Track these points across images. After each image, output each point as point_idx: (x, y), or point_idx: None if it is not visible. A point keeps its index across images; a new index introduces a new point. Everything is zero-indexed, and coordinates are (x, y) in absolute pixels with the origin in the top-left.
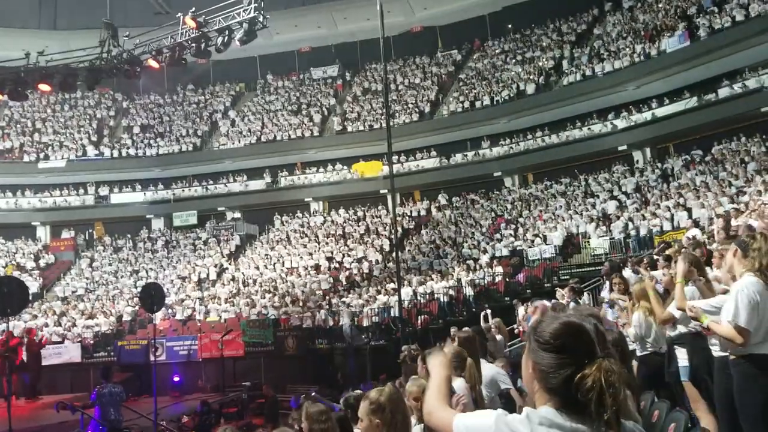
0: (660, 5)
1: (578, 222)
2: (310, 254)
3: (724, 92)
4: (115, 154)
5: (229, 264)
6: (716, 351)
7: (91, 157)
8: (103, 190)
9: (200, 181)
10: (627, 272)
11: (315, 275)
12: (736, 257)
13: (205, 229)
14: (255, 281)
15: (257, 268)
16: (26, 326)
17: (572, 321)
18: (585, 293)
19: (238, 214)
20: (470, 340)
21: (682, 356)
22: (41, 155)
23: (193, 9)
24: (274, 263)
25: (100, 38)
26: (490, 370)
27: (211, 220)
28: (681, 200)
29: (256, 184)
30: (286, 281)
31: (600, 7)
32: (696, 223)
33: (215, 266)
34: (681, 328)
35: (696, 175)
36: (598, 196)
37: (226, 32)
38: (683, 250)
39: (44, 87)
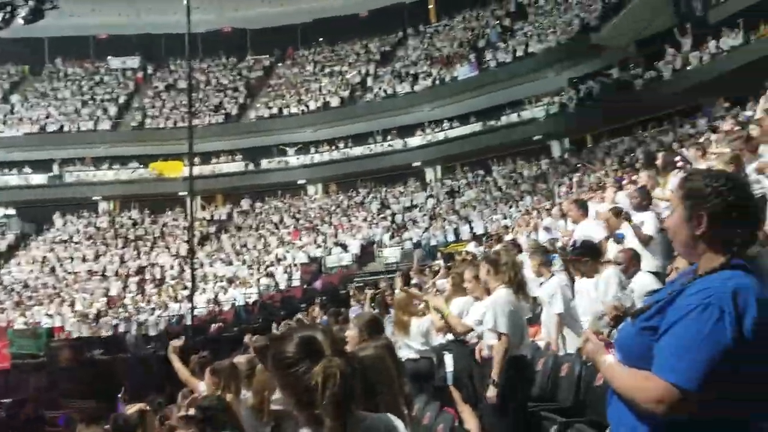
0: (455, 34)
1: (375, 231)
2: (97, 256)
3: (505, 120)
4: None
5: None
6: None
7: None
8: None
9: None
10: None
11: (101, 280)
12: (489, 274)
13: None
14: (28, 285)
15: (32, 271)
16: None
17: (306, 334)
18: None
19: (11, 211)
20: (265, 349)
21: (450, 362)
22: None
23: None
24: (53, 266)
25: None
26: None
27: None
28: (464, 215)
29: (37, 179)
30: (67, 286)
31: (404, 30)
32: (475, 236)
33: None
34: (450, 336)
35: (479, 192)
36: (392, 208)
37: (8, 8)
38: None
39: None
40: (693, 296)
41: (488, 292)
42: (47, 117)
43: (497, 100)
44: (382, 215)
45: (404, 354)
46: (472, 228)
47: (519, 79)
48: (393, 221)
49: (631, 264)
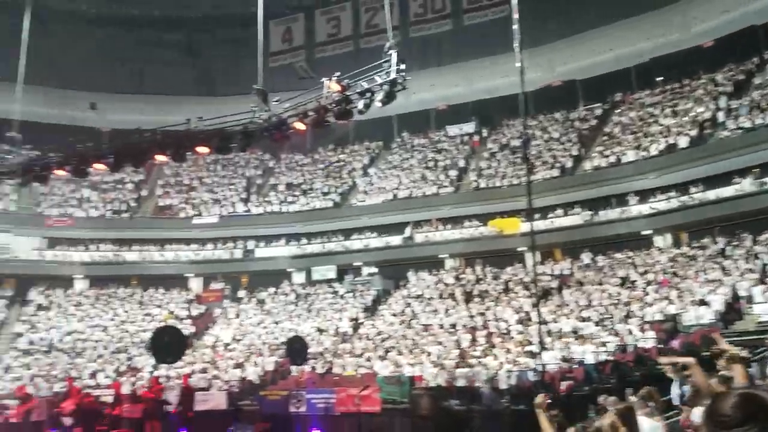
0: None
1: (739, 285)
2: (447, 310)
3: None
4: (261, 210)
5: (366, 318)
6: None
7: (239, 213)
8: (250, 245)
9: (339, 237)
10: None
11: (451, 333)
12: None
13: (342, 283)
14: (389, 337)
15: (391, 324)
16: (181, 372)
17: (749, 392)
18: (752, 365)
19: (374, 269)
20: (629, 412)
21: None
22: (195, 212)
23: (338, 74)
24: (410, 320)
25: (252, 104)
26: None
27: (348, 274)
28: None
29: (393, 240)
30: (423, 338)
31: (760, 54)
32: None
33: (351, 320)
34: None
35: None
36: (762, 259)
37: (368, 95)
38: None
39: (202, 149)
40: None
41: None
42: (399, 185)
43: None
44: (748, 266)
45: None
46: None
47: None
48: (764, 273)
49: None
